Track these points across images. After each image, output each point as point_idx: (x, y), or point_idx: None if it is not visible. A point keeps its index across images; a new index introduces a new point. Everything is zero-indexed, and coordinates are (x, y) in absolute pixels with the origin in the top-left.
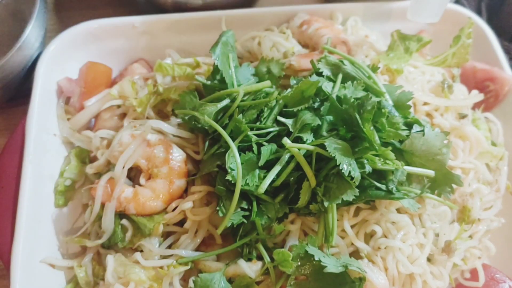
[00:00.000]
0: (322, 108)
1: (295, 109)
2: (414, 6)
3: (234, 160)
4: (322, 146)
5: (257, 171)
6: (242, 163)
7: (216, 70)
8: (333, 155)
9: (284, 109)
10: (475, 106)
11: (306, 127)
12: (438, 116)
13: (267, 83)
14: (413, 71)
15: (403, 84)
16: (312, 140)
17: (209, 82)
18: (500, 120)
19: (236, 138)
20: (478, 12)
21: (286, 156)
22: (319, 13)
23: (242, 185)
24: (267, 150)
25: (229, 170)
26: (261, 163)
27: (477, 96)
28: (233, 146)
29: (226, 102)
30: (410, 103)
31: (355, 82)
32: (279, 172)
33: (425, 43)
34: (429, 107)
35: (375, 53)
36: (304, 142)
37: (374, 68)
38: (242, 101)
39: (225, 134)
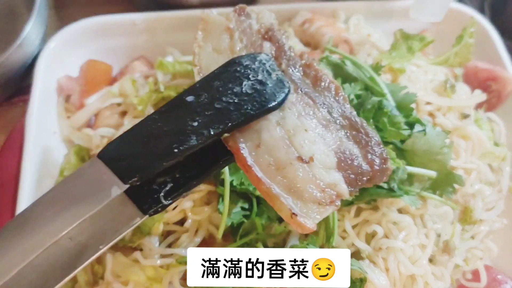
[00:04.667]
0: None
1: None
2: (417, 5)
3: None
4: None
5: None
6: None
7: None
8: None
9: None
10: (478, 106)
11: None
12: (441, 116)
13: None
14: (415, 70)
15: (405, 83)
16: None
17: None
18: (503, 120)
19: None
20: (481, 11)
21: None
22: (322, 11)
23: (237, 185)
24: None
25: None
26: None
27: (480, 96)
28: None
29: None
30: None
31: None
32: None
33: (427, 42)
34: (432, 107)
35: (378, 52)
36: None
37: (377, 67)
38: None
39: None
